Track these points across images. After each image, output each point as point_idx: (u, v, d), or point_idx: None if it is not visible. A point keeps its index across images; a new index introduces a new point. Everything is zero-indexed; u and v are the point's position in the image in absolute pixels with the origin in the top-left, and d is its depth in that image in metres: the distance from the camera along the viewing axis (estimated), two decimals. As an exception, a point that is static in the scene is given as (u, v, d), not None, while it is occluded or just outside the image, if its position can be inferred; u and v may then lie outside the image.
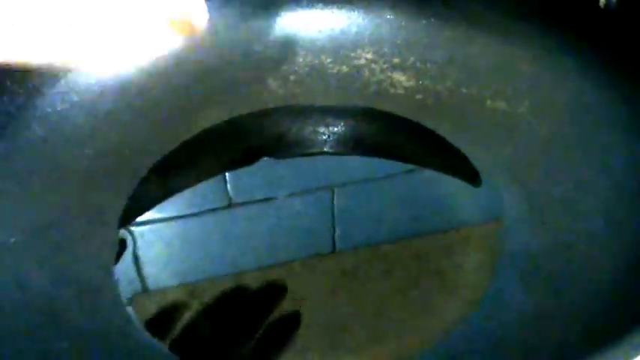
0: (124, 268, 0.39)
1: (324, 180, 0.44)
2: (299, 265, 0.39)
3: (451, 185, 0.43)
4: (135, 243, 0.40)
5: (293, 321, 0.37)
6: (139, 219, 0.41)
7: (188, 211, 0.42)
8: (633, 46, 0.40)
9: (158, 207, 0.42)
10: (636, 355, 0.26)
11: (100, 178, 0.42)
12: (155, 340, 0.36)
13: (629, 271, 0.35)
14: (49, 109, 0.43)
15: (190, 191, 0.43)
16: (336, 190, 0.43)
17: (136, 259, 0.40)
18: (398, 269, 0.39)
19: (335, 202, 0.43)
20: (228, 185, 0.43)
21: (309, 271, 0.39)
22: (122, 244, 0.40)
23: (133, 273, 0.39)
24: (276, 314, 0.37)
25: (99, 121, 0.43)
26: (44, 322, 0.35)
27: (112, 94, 0.44)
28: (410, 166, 0.44)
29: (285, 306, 0.37)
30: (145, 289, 0.38)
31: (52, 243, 0.38)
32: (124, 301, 0.37)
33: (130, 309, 0.37)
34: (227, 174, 0.44)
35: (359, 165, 0.45)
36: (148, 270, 0.39)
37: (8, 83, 0.41)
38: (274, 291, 0.38)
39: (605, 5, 0.41)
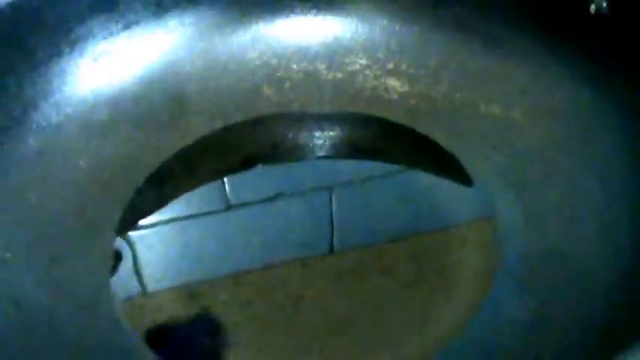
0: (122, 276, 0.39)
1: (322, 182, 0.44)
2: (298, 266, 0.40)
3: (445, 191, 0.43)
4: (133, 248, 0.40)
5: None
6: (140, 226, 0.42)
7: (186, 214, 0.42)
8: (624, 52, 0.40)
9: (160, 213, 0.42)
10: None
11: (96, 190, 0.42)
12: (153, 353, 0.36)
13: (624, 276, 0.35)
14: (44, 123, 0.43)
15: (188, 194, 0.43)
16: (333, 192, 0.43)
17: (134, 264, 0.40)
18: (394, 272, 0.39)
19: (333, 204, 0.43)
20: (227, 188, 0.44)
21: (308, 272, 0.39)
22: (118, 256, 0.40)
23: (131, 280, 0.39)
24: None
25: (94, 133, 0.44)
26: (41, 337, 0.35)
27: (107, 105, 0.44)
28: (405, 172, 0.45)
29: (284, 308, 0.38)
30: (143, 297, 0.39)
31: (49, 256, 0.38)
32: (122, 312, 0.37)
33: (128, 320, 0.37)
34: (229, 179, 0.44)
35: (354, 169, 0.45)
36: (147, 275, 0.40)
37: (3, 98, 0.41)
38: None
39: (596, 11, 0.41)
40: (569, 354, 0.33)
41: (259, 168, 0.44)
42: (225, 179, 0.44)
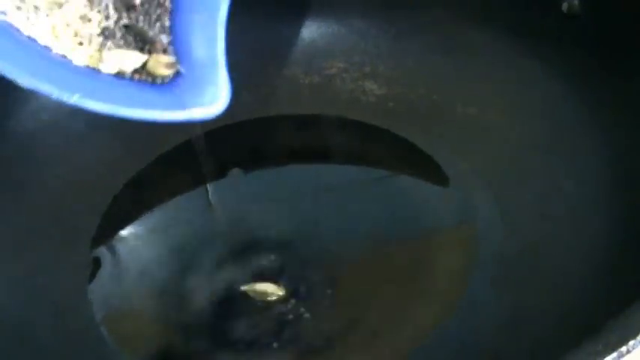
0: (99, 286, 0.39)
1: (304, 188, 0.44)
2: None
3: (423, 192, 0.43)
4: (115, 256, 0.40)
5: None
6: (118, 233, 0.41)
7: (169, 222, 0.42)
8: (598, 50, 0.41)
9: (138, 219, 0.42)
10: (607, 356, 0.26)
11: (73, 198, 0.42)
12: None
13: (600, 275, 0.36)
14: (20, 129, 0.43)
15: (171, 202, 0.43)
16: (315, 197, 0.43)
17: (114, 274, 0.40)
18: (376, 277, 0.39)
19: (314, 209, 0.43)
20: (210, 195, 0.43)
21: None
22: (96, 263, 0.40)
23: (109, 290, 0.39)
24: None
25: (71, 140, 0.43)
26: (18, 346, 0.35)
27: (84, 113, 0.44)
28: (383, 174, 0.45)
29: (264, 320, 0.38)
30: (121, 307, 0.38)
31: (25, 265, 0.38)
32: (100, 321, 0.37)
33: (105, 329, 0.37)
34: (208, 185, 0.44)
35: (334, 173, 0.45)
36: (126, 286, 0.39)
37: (-23, 104, 0.41)
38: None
39: (568, 10, 0.41)
40: (545, 352, 0.33)
41: (242, 175, 0.44)
42: (208, 186, 0.44)
